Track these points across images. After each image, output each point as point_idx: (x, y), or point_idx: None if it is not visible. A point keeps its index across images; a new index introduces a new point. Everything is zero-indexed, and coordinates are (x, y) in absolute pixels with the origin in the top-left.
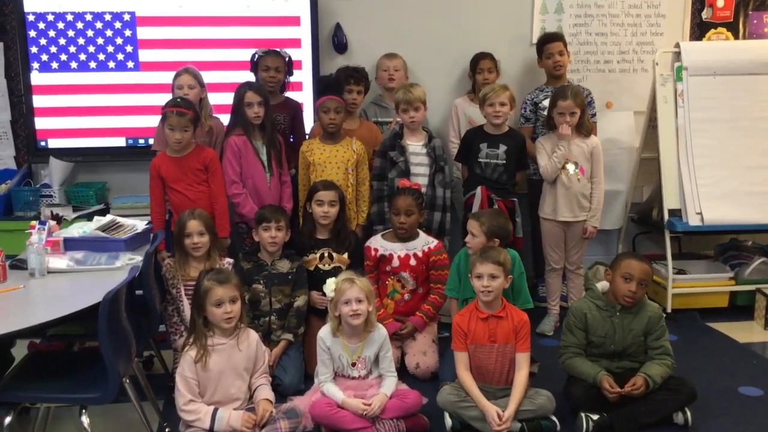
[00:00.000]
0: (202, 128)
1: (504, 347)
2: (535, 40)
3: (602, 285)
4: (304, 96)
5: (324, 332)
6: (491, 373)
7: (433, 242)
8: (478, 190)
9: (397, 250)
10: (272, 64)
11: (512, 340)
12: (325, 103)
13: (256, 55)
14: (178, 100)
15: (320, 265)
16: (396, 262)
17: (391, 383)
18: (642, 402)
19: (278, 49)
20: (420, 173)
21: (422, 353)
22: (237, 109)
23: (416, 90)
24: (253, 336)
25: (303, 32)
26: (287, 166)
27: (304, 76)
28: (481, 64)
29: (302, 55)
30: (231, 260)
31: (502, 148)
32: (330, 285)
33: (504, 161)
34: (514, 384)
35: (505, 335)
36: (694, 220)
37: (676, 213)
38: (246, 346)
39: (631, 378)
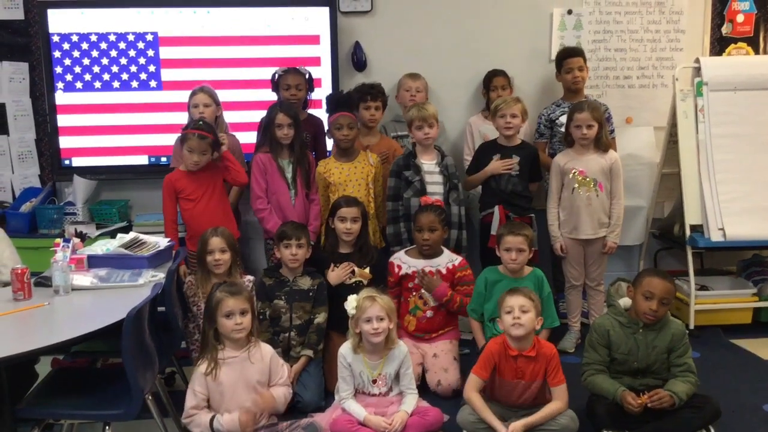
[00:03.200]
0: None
1: (530, 384)
2: (553, 57)
3: (624, 301)
4: (323, 114)
5: (345, 349)
6: (512, 401)
7: (458, 259)
8: (496, 209)
9: (420, 267)
10: (293, 82)
11: (540, 377)
12: (338, 120)
13: (277, 75)
14: (200, 123)
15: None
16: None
17: (411, 400)
18: (665, 420)
19: (298, 67)
20: (435, 192)
21: (444, 370)
22: (267, 128)
23: (429, 107)
24: (267, 349)
25: (323, 51)
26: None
27: (323, 94)
28: (494, 81)
29: (322, 73)
30: (251, 278)
31: (515, 159)
32: (351, 302)
33: (517, 173)
34: (546, 407)
35: (533, 374)
36: (716, 236)
37: (697, 229)
38: (258, 359)
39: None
